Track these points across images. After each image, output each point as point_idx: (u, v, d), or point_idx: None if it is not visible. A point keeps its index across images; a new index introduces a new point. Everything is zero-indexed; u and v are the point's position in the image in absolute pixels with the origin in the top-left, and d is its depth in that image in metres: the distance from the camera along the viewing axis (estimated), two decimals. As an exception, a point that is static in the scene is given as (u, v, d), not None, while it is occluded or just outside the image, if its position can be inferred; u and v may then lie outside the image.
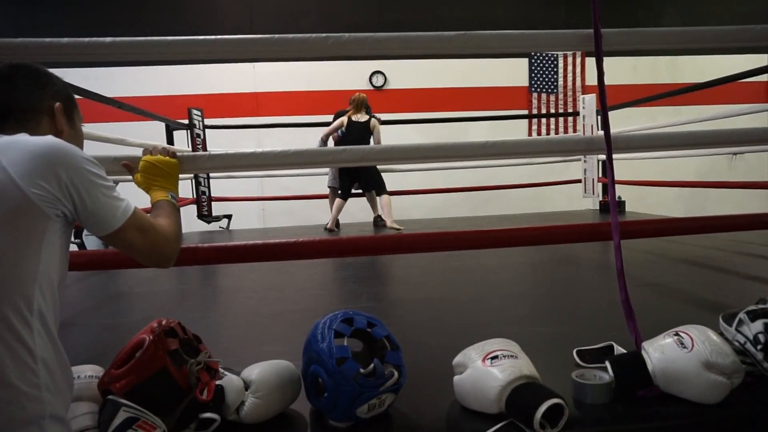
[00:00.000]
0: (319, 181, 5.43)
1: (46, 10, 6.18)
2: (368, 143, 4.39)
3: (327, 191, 5.03)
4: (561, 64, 6.98)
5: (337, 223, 4.90)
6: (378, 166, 4.59)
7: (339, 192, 4.64)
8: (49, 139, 0.89)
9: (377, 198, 4.68)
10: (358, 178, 4.63)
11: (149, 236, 1.00)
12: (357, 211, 4.72)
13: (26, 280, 0.81)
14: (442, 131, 6.23)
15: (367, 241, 1.92)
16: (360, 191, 4.82)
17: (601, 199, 5.24)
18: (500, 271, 2.86)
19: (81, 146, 1.05)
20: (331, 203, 4.89)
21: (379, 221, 4.92)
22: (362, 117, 4.45)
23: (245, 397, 1.13)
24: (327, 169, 4.92)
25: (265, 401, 1.14)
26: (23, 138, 0.88)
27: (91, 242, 4.18)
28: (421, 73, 6.71)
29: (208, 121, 5.17)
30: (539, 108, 6.99)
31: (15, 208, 0.81)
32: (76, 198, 0.87)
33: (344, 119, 4.46)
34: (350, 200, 4.72)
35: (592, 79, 6.87)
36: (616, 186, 1.53)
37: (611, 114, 1.70)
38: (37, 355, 0.80)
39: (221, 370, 1.18)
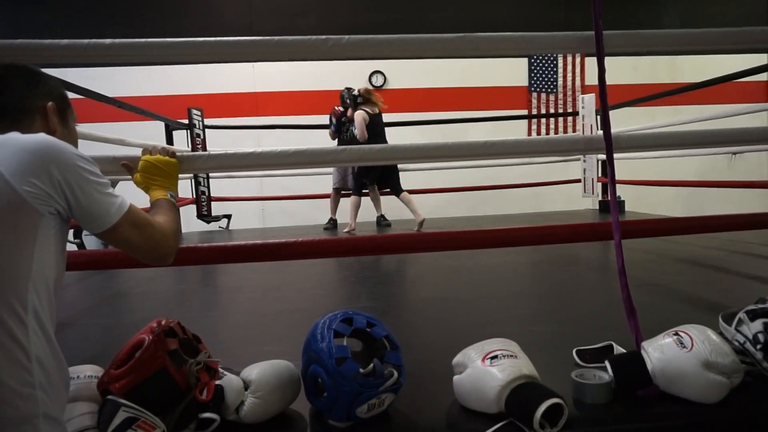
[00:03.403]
0: (319, 181, 5.43)
1: (46, 10, 6.18)
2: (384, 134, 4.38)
3: (326, 191, 5.01)
4: (560, 64, 6.98)
5: (335, 223, 4.90)
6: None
7: (347, 192, 4.58)
8: (41, 137, 0.89)
9: (400, 199, 4.57)
10: (383, 176, 4.55)
11: (146, 232, 1.00)
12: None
13: (20, 278, 0.80)
14: (441, 131, 6.24)
15: (367, 241, 1.93)
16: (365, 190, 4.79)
17: (600, 198, 5.25)
18: (500, 271, 2.86)
19: (75, 146, 1.04)
20: (334, 203, 4.87)
21: (381, 221, 4.91)
22: (376, 108, 4.42)
23: (245, 397, 1.13)
24: (329, 170, 4.90)
25: (264, 401, 1.14)
26: (15, 136, 0.87)
27: (91, 242, 4.18)
28: (420, 72, 6.71)
29: (207, 121, 5.17)
30: (539, 108, 6.99)
31: (7, 207, 0.80)
32: (69, 195, 0.87)
33: (366, 116, 4.30)
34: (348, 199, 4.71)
35: (591, 79, 6.87)
36: (616, 186, 1.53)
37: (611, 113, 1.71)
38: (31, 353, 0.79)
39: (221, 370, 1.18)
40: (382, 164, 4.39)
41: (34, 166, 0.83)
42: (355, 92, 4.45)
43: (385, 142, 4.37)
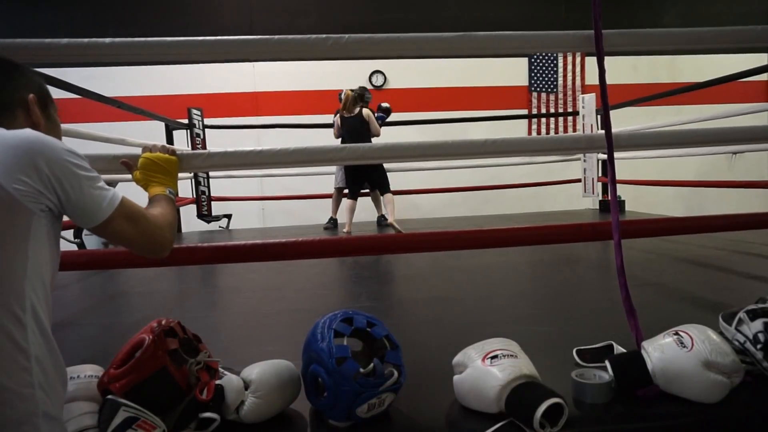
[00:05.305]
0: (319, 180, 5.44)
1: (46, 10, 6.18)
2: (366, 136, 4.36)
3: (326, 191, 5.01)
4: (561, 64, 6.98)
5: (335, 222, 4.90)
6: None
7: (347, 193, 4.58)
8: (28, 132, 0.87)
9: (380, 196, 4.63)
10: (368, 177, 4.56)
11: (139, 225, 0.99)
12: (357, 211, 4.74)
13: (16, 279, 0.79)
14: (441, 131, 6.24)
15: (367, 241, 1.92)
16: (366, 191, 4.80)
17: (600, 198, 5.25)
18: (500, 271, 2.85)
19: (59, 137, 1.02)
20: (335, 203, 4.88)
21: (382, 220, 4.91)
22: (354, 111, 4.40)
23: (245, 397, 1.13)
24: (331, 169, 4.91)
25: (264, 401, 1.14)
26: (0, 133, 0.86)
27: (91, 242, 4.19)
28: (420, 72, 6.71)
29: (207, 121, 5.17)
30: (539, 108, 6.99)
31: None
32: (59, 190, 0.85)
33: (337, 119, 4.48)
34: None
35: (591, 79, 6.87)
36: (616, 185, 1.53)
37: (611, 113, 1.70)
38: (30, 353, 0.79)
39: (221, 370, 1.18)
40: (371, 168, 4.45)
41: (22, 162, 0.81)
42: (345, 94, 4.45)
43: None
